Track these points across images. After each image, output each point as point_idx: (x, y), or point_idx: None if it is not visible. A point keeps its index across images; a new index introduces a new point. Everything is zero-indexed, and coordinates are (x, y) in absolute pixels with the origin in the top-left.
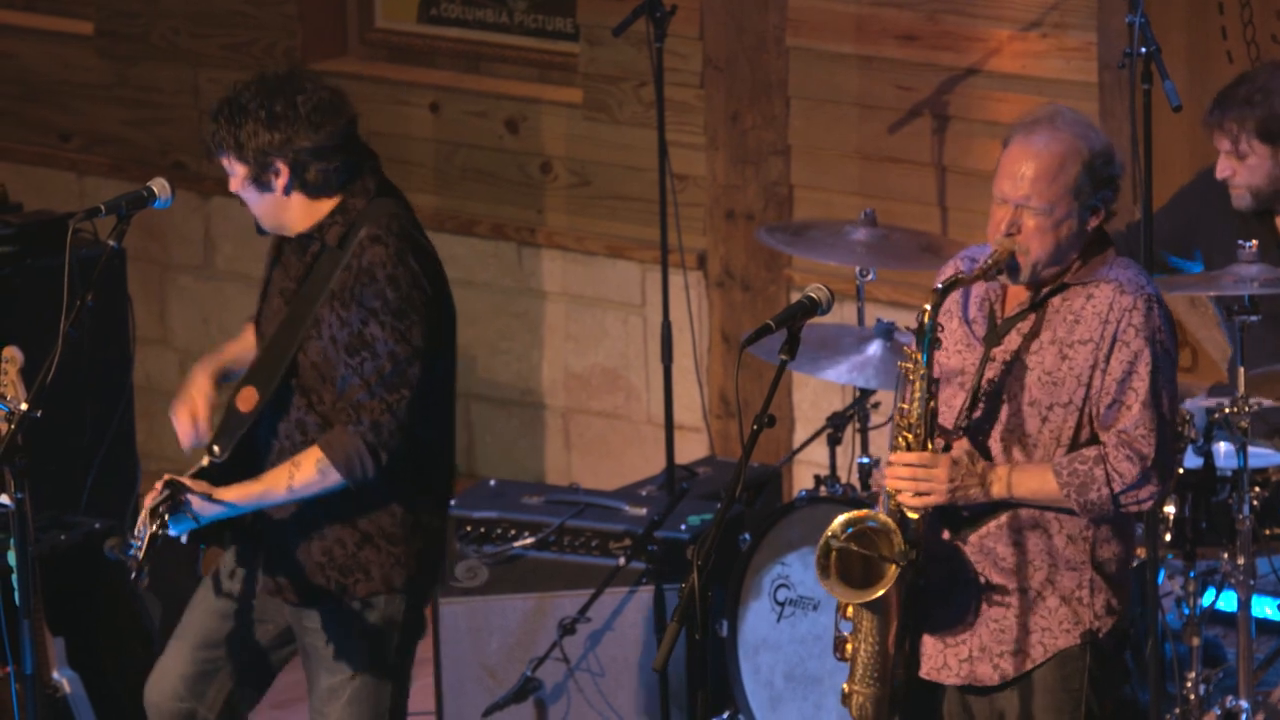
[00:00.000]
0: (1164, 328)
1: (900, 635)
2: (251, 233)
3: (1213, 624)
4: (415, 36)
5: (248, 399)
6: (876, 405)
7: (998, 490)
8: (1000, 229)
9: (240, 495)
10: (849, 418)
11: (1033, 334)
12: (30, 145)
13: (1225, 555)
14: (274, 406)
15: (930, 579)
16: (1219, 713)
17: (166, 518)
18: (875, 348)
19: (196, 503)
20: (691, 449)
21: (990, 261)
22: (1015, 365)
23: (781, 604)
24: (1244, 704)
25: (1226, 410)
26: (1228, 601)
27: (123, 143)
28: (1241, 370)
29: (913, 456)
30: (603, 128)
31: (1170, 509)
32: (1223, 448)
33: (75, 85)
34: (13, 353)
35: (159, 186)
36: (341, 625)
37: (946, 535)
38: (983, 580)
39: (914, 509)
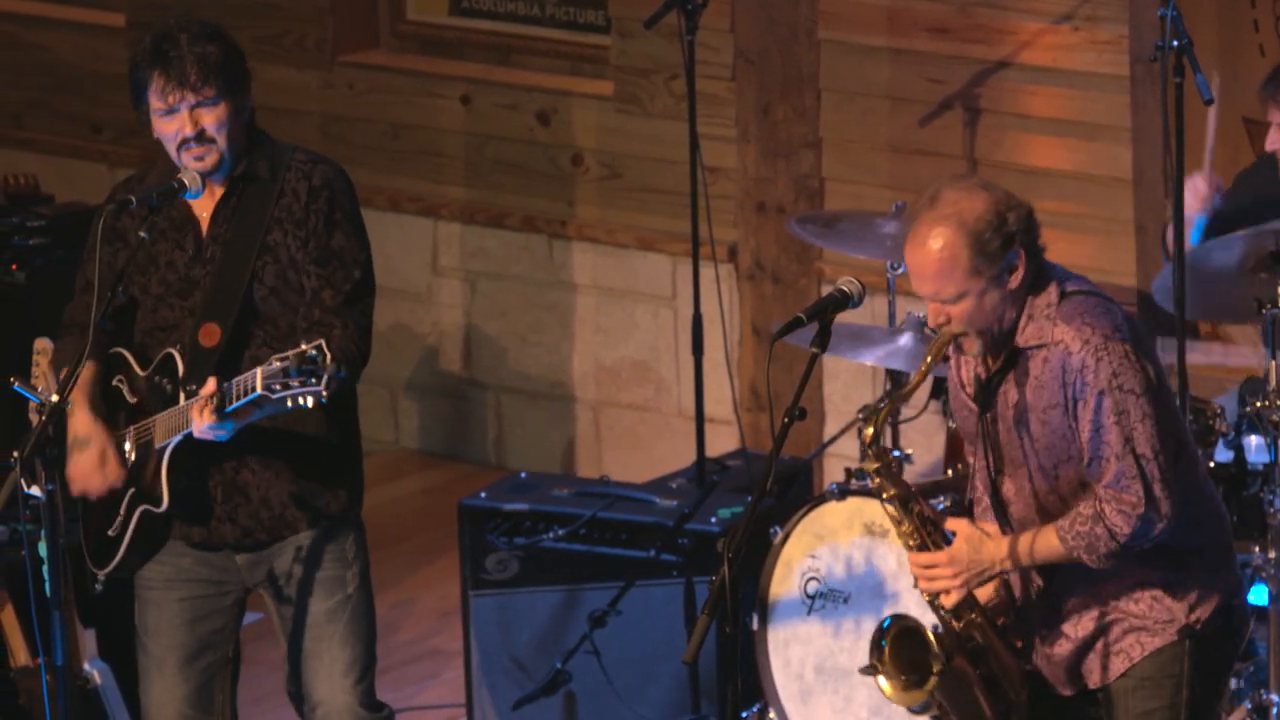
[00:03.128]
0: (1120, 370)
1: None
2: None
3: None
4: (447, 29)
5: (210, 334)
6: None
7: (1011, 565)
8: (935, 321)
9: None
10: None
11: (1011, 402)
12: (62, 137)
13: (1256, 549)
14: (231, 343)
15: (1023, 596)
16: (1250, 706)
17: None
18: (906, 340)
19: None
20: (722, 442)
21: (932, 355)
22: (1010, 432)
23: (812, 597)
24: (1275, 698)
25: (1258, 404)
26: (1259, 595)
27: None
28: (1273, 364)
29: (922, 559)
30: (634, 120)
31: None
32: (1253, 441)
33: (107, 77)
34: (44, 344)
35: (190, 179)
36: (331, 547)
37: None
38: (1075, 593)
39: (945, 606)
